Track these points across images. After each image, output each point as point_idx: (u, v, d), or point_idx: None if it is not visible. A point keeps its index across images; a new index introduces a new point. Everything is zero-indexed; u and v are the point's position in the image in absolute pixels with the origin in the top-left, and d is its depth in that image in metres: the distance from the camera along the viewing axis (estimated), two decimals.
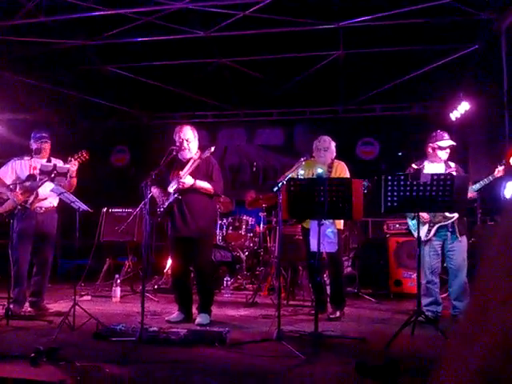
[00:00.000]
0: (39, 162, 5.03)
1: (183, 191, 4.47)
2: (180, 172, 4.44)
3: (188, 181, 4.41)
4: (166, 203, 4.53)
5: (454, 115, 7.44)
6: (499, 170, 4.58)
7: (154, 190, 4.64)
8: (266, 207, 7.10)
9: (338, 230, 4.69)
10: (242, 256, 7.06)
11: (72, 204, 4.48)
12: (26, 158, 5.06)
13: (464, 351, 0.63)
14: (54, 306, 5.18)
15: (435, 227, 4.74)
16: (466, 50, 6.93)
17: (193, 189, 4.48)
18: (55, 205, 5.09)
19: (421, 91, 8.27)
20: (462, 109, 7.21)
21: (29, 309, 4.99)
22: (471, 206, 4.83)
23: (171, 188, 4.53)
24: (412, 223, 4.97)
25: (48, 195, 4.99)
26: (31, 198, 4.80)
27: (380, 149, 9.33)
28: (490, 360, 0.58)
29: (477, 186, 4.64)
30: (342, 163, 4.99)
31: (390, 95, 8.36)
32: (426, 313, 4.32)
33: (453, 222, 4.70)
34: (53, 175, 4.52)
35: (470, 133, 7.43)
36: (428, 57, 7.26)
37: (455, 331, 0.68)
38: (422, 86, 7.96)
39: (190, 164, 4.48)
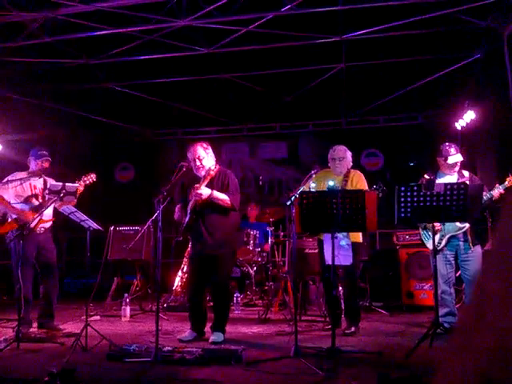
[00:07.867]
0: (38, 181, 5.00)
1: (199, 209, 4.42)
2: (196, 185, 4.38)
3: (205, 192, 4.30)
4: (184, 222, 4.49)
5: (460, 124, 7.42)
6: (510, 180, 4.52)
7: (177, 208, 4.60)
8: (274, 221, 7.05)
9: (358, 243, 4.63)
10: (251, 271, 6.99)
11: (82, 223, 4.42)
12: (22, 175, 5.00)
13: (462, 353, 0.64)
14: (63, 327, 5.10)
15: (446, 237, 4.69)
16: (468, 59, 6.95)
17: (208, 204, 4.39)
18: (50, 225, 5.09)
19: (424, 101, 8.27)
20: (467, 118, 7.19)
21: (37, 329, 4.92)
22: (497, 208, 4.72)
23: (189, 206, 4.49)
24: (423, 233, 4.93)
25: (50, 216, 4.97)
26: (36, 219, 4.75)
27: (385, 160, 9.30)
28: (487, 361, 0.59)
29: (500, 188, 4.52)
30: (359, 172, 4.89)
31: (394, 106, 8.36)
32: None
33: (465, 232, 4.64)
34: (61, 194, 4.47)
35: (476, 141, 7.40)
36: (431, 67, 7.27)
37: (454, 333, 0.69)
38: (426, 96, 7.97)
39: (205, 177, 4.43)
